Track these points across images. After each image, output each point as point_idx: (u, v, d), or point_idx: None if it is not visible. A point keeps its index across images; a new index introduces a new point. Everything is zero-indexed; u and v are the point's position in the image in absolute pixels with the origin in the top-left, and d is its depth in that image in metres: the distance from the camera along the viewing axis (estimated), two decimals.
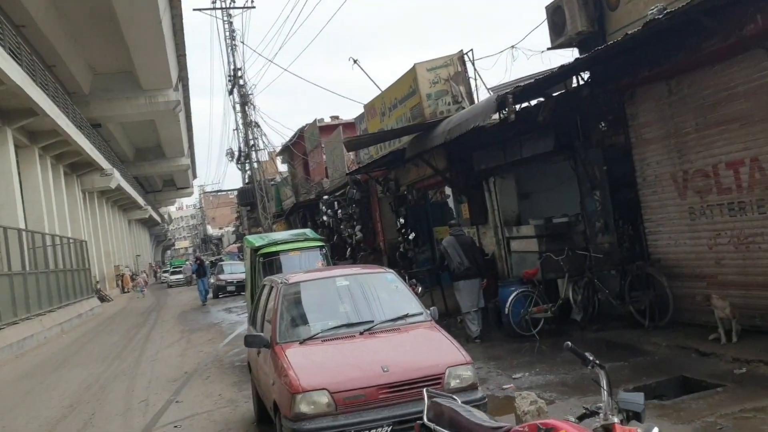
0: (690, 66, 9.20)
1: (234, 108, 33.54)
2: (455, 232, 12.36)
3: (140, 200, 65.25)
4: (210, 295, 31.04)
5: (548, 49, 11.54)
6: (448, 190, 17.96)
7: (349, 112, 30.29)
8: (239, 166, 35.99)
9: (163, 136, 58.67)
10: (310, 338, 6.57)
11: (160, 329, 21.59)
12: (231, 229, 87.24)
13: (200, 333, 19.09)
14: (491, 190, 14.78)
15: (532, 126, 12.24)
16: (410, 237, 18.72)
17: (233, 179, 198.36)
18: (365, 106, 19.65)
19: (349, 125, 25.36)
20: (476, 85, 15.68)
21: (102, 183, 45.11)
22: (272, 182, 34.74)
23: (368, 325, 6.66)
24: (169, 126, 54.12)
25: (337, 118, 31.63)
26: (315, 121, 28.90)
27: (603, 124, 10.49)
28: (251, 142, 30.77)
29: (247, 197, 34.80)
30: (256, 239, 13.06)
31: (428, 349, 6.41)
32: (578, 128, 10.80)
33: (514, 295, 11.10)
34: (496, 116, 12.04)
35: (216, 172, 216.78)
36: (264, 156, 32.30)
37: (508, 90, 10.56)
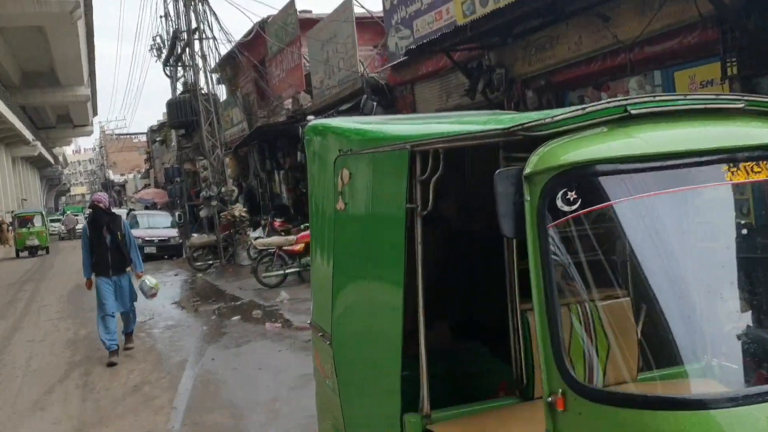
0: None
1: None
2: None
3: (27, 134, 53.74)
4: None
5: None
6: (634, 83, 9.08)
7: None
8: (168, 70, 24.33)
9: (57, 56, 48.01)
10: None
11: (30, 334, 11.81)
12: (138, 174, 75.64)
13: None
14: None
15: None
16: None
17: (141, 122, 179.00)
18: None
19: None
20: None
21: None
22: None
23: None
24: (64, 40, 43.54)
25: (309, 12, 21.95)
26: (292, 2, 18.73)
27: None
28: (194, 25, 19.82)
29: (181, 113, 22.40)
30: (380, 124, 3.82)
31: None
32: None
33: None
34: None
35: (121, 112, 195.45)
36: (213, 52, 21.24)
37: None
